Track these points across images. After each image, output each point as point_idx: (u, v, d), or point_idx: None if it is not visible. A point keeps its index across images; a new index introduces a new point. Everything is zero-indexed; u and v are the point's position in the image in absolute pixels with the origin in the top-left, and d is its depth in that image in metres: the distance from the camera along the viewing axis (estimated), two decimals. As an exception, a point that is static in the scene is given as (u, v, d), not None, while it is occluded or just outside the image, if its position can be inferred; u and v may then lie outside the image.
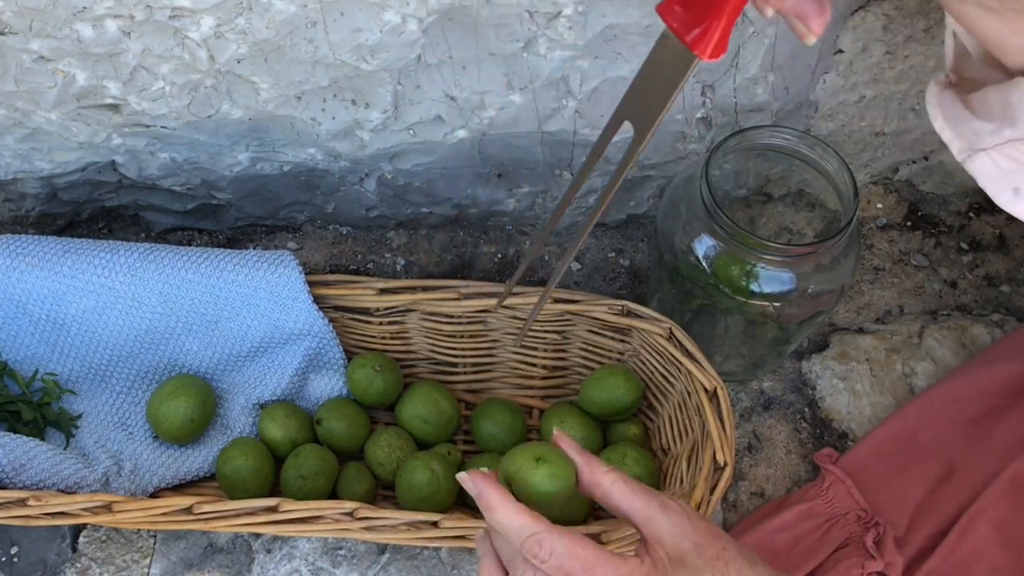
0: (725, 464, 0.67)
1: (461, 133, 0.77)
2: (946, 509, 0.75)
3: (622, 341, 0.78)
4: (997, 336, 0.87)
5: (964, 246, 0.95)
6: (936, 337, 0.88)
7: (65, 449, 0.75)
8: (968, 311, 0.91)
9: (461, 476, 0.51)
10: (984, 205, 0.97)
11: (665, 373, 0.76)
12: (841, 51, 0.75)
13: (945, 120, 0.54)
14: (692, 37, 0.43)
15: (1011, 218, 0.96)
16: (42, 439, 0.75)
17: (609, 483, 0.52)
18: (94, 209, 0.90)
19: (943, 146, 0.90)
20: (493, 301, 0.77)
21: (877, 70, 0.77)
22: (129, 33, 0.66)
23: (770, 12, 0.47)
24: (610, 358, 0.80)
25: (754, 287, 0.70)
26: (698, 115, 0.79)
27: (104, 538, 0.78)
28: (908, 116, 0.84)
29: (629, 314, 0.76)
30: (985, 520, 0.72)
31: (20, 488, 0.68)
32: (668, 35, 0.45)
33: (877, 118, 0.84)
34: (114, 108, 0.74)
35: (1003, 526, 0.72)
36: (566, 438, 0.54)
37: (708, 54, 0.43)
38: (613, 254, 0.94)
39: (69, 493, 0.70)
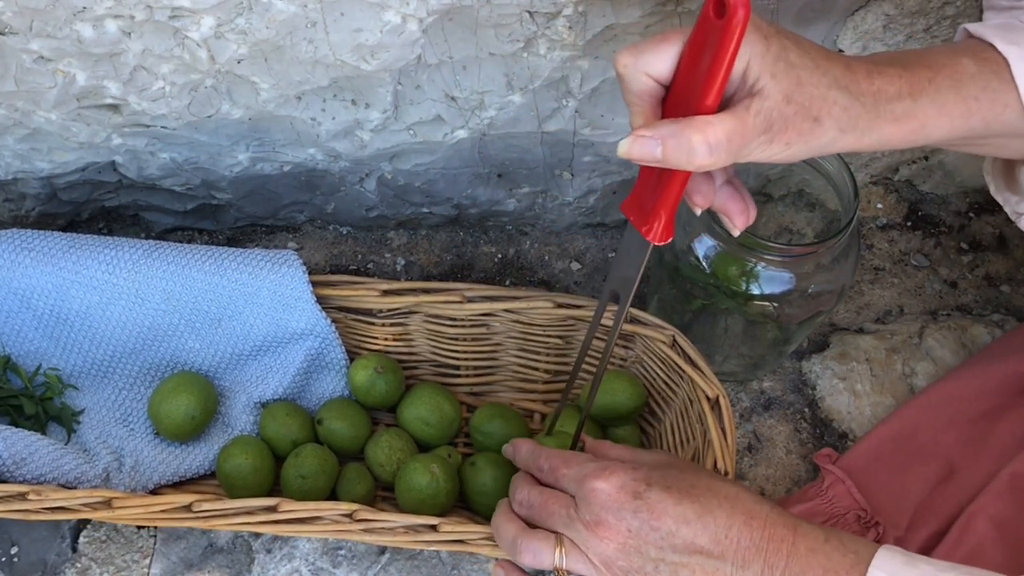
0: (726, 472, 0.67)
1: (461, 133, 0.77)
2: (946, 509, 0.75)
3: (625, 347, 0.78)
4: (997, 336, 0.87)
5: (964, 246, 0.95)
6: (936, 337, 0.88)
7: (66, 444, 0.75)
8: (968, 311, 0.91)
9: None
10: (984, 205, 0.97)
11: (667, 380, 0.76)
12: (841, 51, 0.75)
13: (995, 188, 0.64)
14: (645, 229, 0.56)
15: (1011, 218, 0.96)
16: (44, 434, 0.75)
17: (608, 445, 0.67)
18: (94, 209, 0.90)
19: (943, 146, 0.91)
20: (496, 304, 0.77)
21: (877, 70, 0.77)
22: (129, 33, 0.66)
23: (699, 211, 0.56)
24: (612, 363, 0.80)
25: (754, 287, 0.70)
26: (698, 115, 0.79)
27: (104, 538, 0.78)
28: (908, 116, 0.84)
29: (632, 320, 0.76)
30: (985, 519, 0.72)
31: (20, 482, 0.68)
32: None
33: (877, 118, 0.84)
34: (114, 108, 0.74)
35: (1003, 525, 0.72)
36: (510, 451, 0.68)
37: (657, 240, 0.56)
38: (613, 254, 0.94)
39: (69, 488, 0.70)
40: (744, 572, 0.55)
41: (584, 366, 0.81)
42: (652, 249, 0.57)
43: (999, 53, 0.52)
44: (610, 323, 0.69)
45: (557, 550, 0.58)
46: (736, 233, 0.58)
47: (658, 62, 0.50)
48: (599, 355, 0.76)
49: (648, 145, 0.49)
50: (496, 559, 0.64)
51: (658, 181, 0.54)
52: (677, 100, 0.50)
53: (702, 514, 0.55)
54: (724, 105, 0.49)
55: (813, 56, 0.49)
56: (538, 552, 0.58)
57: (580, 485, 0.58)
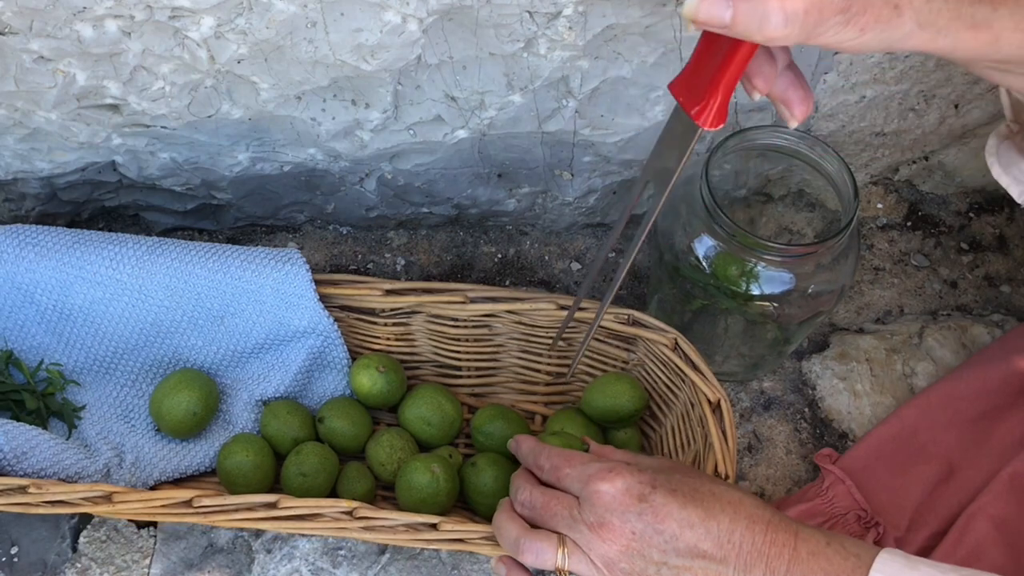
0: (727, 476, 0.67)
1: (461, 133, 0.77)
2: (946, 509, 0.75)
3: (627, 350, 0.78)
4: (997, 336, 0.87)
5: (964, 246, 0.95)
6: (936, 337, 0.88)
7: (67, 439, 0.75)
8: (968, 311, 0.91)
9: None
10: (984, 205, 0.97)
11: (669, 383, 0.76)
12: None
13: (1001, 167, 0.61)
14: (696, 111, 0.51)
15: (1011, 218, 0.96)
16: (45, 429, 0.75)
17: (610, 448, 0.68)
18: (94, 209, 0.90)
19: (943, 146, 0.91)
20: (499, 305, 0.77)
21: (877, 70, 0.77)
22: (129, 33, 0.66)
23: (757, 96, 0.52)
24: (614, 366, 0.80)
25: (754, 287, 0.70)
26: (698, 115, 0.79)
27: (104, 538, 0.78)
28: (908, 116, 0.84)
29: (635, 323, 0.76)
30: (985, 519, 0.72)
31: (21, 476, 0.68)
32: (679, 108, 0.52)
33: (877, 118, 0.84)
34: (114, 108, 0.74)
35: (1003, 525, 0.72)
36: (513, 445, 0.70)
37: (709, 124, 0.51)
38: (613, 254, 0.94)
39: (70, 482, 0.70)
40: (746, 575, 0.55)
41: (587, 371, 0.81)
42: (700, 135, 0.51)
43: None
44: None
45: (560, 551, 0.58)
46: (794, 125, 0.54)
47: None
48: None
49: (717, 7, 0.44)
50: (498, 556, 0.64)
51: (717, 56, 0.48)
52: None
53: (706, 518, 0.55)
54: None
55: None
56: (540, 553, 0.58)
57: (584, 486, 0.58)
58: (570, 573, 0.58)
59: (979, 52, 0.50)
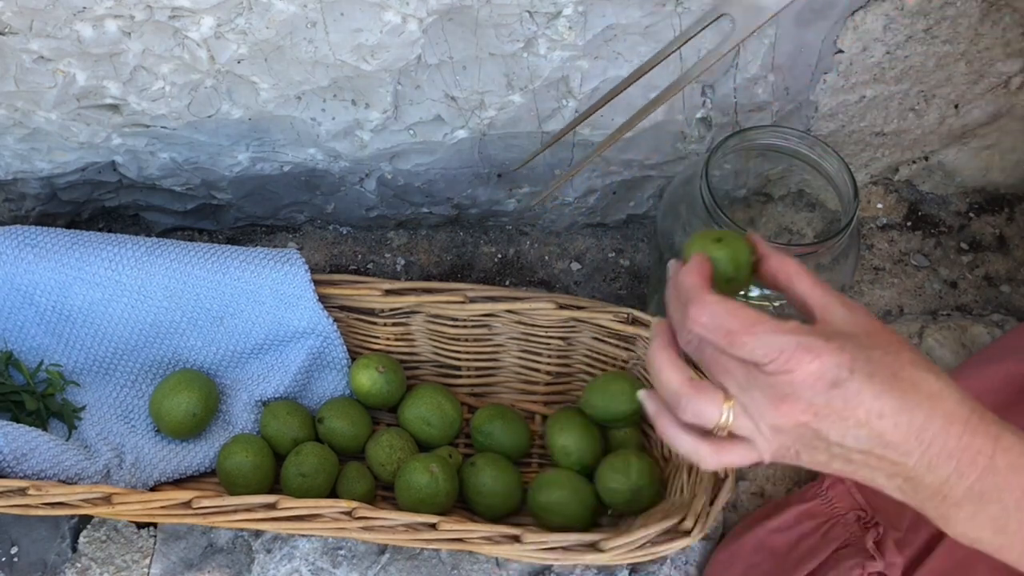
0: (726, 475, 0.67)
1: (461, 133, 0.77)
2: (946, 509, 0.75)
3: (626, 349, 0.78)
4: (997, 336, 0.87)
5: (964, 246, 0.95)
6: (936, 337, 0.88)
7: (67, 440, 0.75)
8: (968, 311, 0.91)
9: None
10: (984, 205, 0.97)
11: None
12: (841, 51, 0.75)
13: None
14: None
15: (1011, 218, 0.96)
16: (45, 430, 0.75)
17: (795, 270, 0.55)
18: (94, 209, 0.90)
19: (943, 146, 0.91)
20: (498, 305, 0.77)
21: (877, 70, 0.77)
22: (129, 33, 0.66)
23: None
24: (614, 365, 0.80)
25: (754, 287, 0.70)
26: (698, 115, 0.79)
27: (104, 538, 0.78)
28: (908, 116, 0.84)
29: (634, 322, 0.76)
30: (985, 520, 0.72)
31: (21, 477, 0.68)
32: None
33: (877, 118, 0.84)
34: (114, 108, 0.74)
35: (1003, 526, 0.72)
36: (758, 236, 0.58)
37: None
38: (613, 254, 0.94)
39: (70, 484, 0.70)
40: (928, 475, 0.51)
41: (586, 371, 0.81)
42: None
43: None
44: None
45: (725, 410, 0.52)
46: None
47: None
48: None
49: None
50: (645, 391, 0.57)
51: None
52: None
53: (899, 410, 0.50)
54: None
55: None
56: (702, 414, 0.52)
57: (774, 359, 0.50)
58: (729, 433, 0.52)
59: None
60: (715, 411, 0.51)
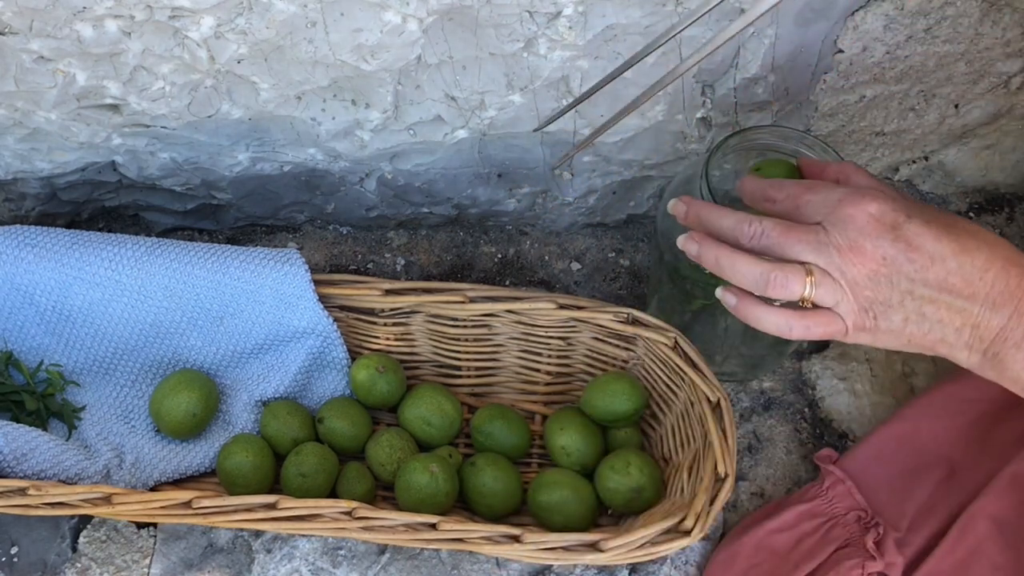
0: (726, 475, 0.67)
1: (461, 133, 0.77)
2: (946, 509, 0.75)
3: (627, 349, 0.78)
4: (997, 336, 0.87)
5: (964, 246, 0.95)
6: (936, 337, 0.87)
7: (67, 440, 0.75)
8: (968, 311, 0.91)
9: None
10: (984, 205, 0.97)
11: (669, 383, 0.76)
12: (841, 51, 0.75)
13: None
14: None
15: (1011, 218, 0.96)
16: (45, 430, 0.75)
17: (853, 169, 0.61)
18: (94, 209, 0.90)
19: (943, 146, 0.91)
20: (498, 305, 0.77)
21: (877, 70, 0.77)
22: (129, 33, 0.66)
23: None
24: (614, 365, 0.80)
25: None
26: (698, 115, 0.79)
27: (104, 538, 0.78)
28: (908, 116, 0.84)
29: (635, 322, 0.76)
30: (985, 519, 0.72)
31: (21, 478, 0.68)
32: None
33: (877, 118, 0.84)
34: (114, 108, 0.74)
35: (1003, 525, 0.72)
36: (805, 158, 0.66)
37: None
38: (613, 254, 0.94)
39: (70, 484, 0.70)
40: (992, 315, 0.53)
41: (586, 371, 0.81)
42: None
43: None
44: None
45: (808, 278, 0.54)
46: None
47: None
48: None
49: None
50: (724, 288, 0.61)
51: None
52: None
53: (959, 252, 0.53)
54: None
55: None
56: (789, 283, 0.55)
57: (832, 211, 0.55)
58: (812, 304, 0.55)
59: None
60: (800, 282, 0.54)
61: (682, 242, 0.60)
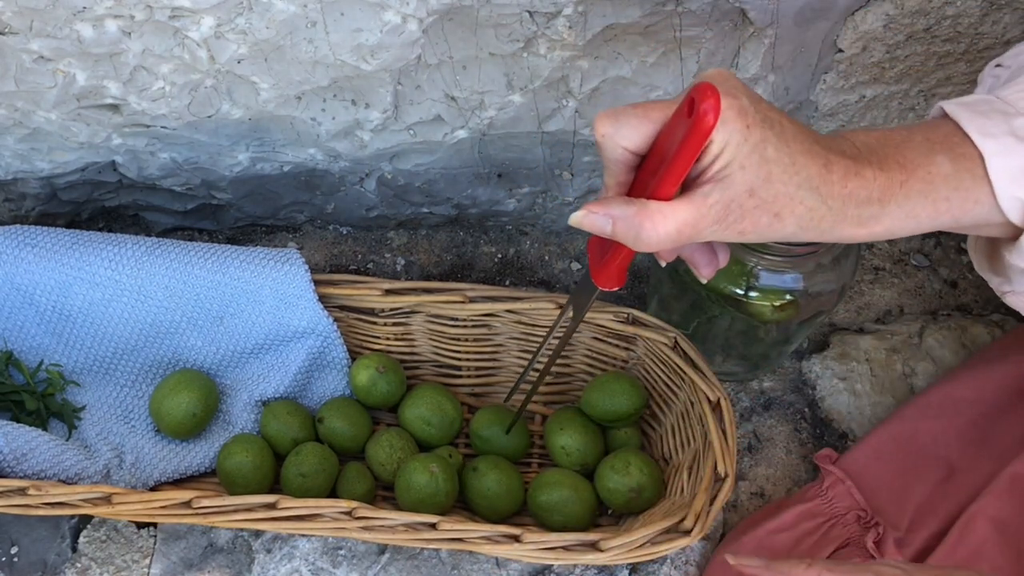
0: (726, 475, 0.67)
1: (461, 133, 0.77)
2: (946, 509, 0.75)
3: (627, 349, 0.78)
4: (997, 336, 0.87)
5: (964, 246, 0.95)
6: (936, 337, 0.88)
7: (67, 440, 0.75)
8: (968, 311, 0.91)
9: None
10: (984, 205, 0.97)
11: (669, 383, 0.76)
12: (841, 51, 0.75)
13: (977, 265, 0.60)
14: (595, 273, 0.57)
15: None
16: (45, 429, 0.75)
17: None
18: (94, 209, 0.90)
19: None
20: (498, 305, 0.77)
21: (877, 70, 0.77)
22: (129, 33, 0.66)
23: (663, 263, 0.55)
24: (614, 365, 0.80)
25: (753, 289, 0.70)
26: (698, 115, 0.79)
27: (104, 538, 0.78)
28: (908, 116, 0.84)
29: (635, 322, 0.76)
30: (985, 520, 0.72)
31: (21, 477, 0.68)
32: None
33: (877, 118, 0.84)
34: (114, 108, 0.74)
35: (1003, 526, 0.72)
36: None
37: (603, 286, 0.57)
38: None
39: (70, 484, 0.70)
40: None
41: (586, 371, 0.81)
42: (597, 295, 0.59)
43: (975, 147, 0.50)
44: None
45: None
46: (704, 281, 0.57)
47: (635, 136, 0.49)
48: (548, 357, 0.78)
49: (599, 221, 0.49)
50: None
51: (611, 242, 0.54)
52: (648, 171, 0.50)
53: None
54: (688, 183, 0.48)
55: (791, 151, 0.47)
56: None
57: None
58: None
59: (871, 238, 0.51)
60: None
61: None
